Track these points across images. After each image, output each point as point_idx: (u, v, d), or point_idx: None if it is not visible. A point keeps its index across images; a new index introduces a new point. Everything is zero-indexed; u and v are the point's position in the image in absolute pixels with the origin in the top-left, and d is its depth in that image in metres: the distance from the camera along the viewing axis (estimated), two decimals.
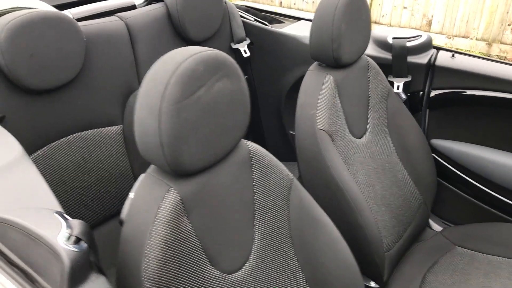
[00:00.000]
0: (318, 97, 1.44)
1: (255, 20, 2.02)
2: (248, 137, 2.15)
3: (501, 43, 4.88)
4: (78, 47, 1.41)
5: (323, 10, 1.42)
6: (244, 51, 1.95)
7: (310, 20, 2.06)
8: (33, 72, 1.32)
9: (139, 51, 1.64)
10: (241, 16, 1.99)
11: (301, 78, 1.94)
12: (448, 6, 5.01)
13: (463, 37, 5.05)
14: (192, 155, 0.84)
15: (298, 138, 1.45)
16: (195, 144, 0.84)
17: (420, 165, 1.63)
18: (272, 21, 2.10)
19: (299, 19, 2.07)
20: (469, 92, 1.65)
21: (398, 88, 1.74)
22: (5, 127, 1.16)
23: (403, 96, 1.75)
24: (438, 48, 1.73)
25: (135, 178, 1.68)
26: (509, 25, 4.78)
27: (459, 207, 1.76)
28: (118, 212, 1.68)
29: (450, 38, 5.09)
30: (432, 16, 5.15)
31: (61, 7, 1.56)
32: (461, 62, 1.66)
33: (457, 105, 1.69)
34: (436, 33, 5.15)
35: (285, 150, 2.13)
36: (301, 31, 1.92)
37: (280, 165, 1.09)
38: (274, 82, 2.01)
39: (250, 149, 1.03)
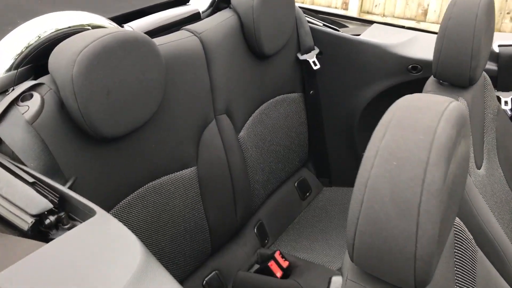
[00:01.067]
0: None
1: (324, 25, 1.72)
2: (308, 158, 1.86)
3: (500, 31, 4.78)
4: (159, 75, 1.07)
5: (460, 19, 1.15)
6: (314, 62, 1.65)
7: (383, 24, 1.78)
8: (111, 115, 0.98)
9: (215, 74, 1.32)
10: (308, 22, 1.69)
11: (382, 94, 1.66)
12: None
13: None
14: None
15: None
16: None
17: None
18: (333, 23, 1.80)
19: (370, 22, 1.79)
20: None
21: (506, 104, 1.50)
22: (75, 190, 0.83)
23: (510, 113, 1.52)
24: None
25: (211, 231, 1.36)
26: (508, 13, 4.68)
27: None
28: (191, 274, 1.36)
29: None
30: (428, 5, 4.99)
31: (118, 20, 1.21)
32: None
33: None
34: (432, 22, 4.99)
35: (355, 173, 1.85)
36: (381, 37, 1.64)
37: None
38: (347, 98, 1.72)
39: None
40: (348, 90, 1.70)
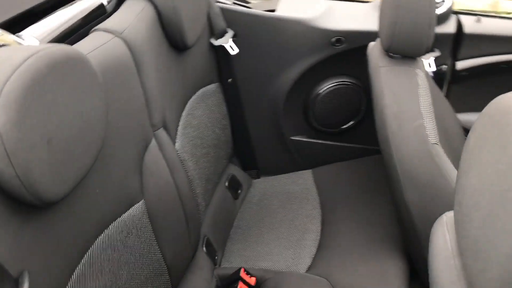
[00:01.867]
0: (419, 102, 1.11)
1: (234, 3, 1.51)
2: (233, 153, 1.68)
3: None
4: (100, 101, 0.78)
5: None
6: (231, 47, 1.45)
7: None
8: (56, 171, 0.68)
9: (148, 81, 1.04)
10: (216, 1, 1.46)
11: (306, 73, 1.55)
12: None
13: None
14: None
15: (399, 160, 1.11)
16: None
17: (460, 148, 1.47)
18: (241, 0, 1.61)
19: None
20: (499, 58, 1.52)
21: (430, 66, 1.50)
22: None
23: (431, 74, 1.54)
24: (458, 13, 1.54)
25: (169, 269, 1.12)
26: None
27: None
28: None
29: None
30: None
31: (11, 26, 0.85)
32: (489, 26, 1.50)
33: (485, 74, 1.55)
34: None
35: (286, 159, 1.73)
36: (297, 10, 1.50)
37: None
38: (270, 82, 1.56)
39: None
40: (270, 72, 1.55)
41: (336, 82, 1.60)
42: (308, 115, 1.65)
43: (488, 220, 0.49)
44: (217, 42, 1.43)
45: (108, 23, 1.00)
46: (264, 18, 1.47)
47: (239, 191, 1.64)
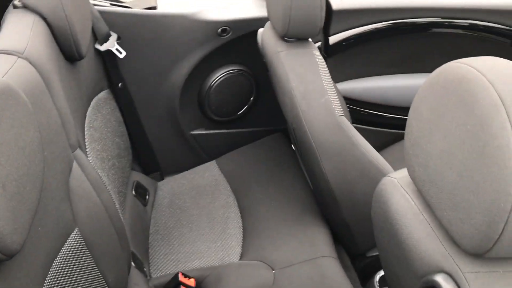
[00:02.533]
0: (322, 79, 1.21)
1: (112, 4, 1.41)
2: (133, 159, 1.61)
3: None
4: (34, 131, 0.70)
5: None
6: (118, 50, 1.37)
7: None
8: (15, 218, 0.60)
9: (59, 101, 0.94)
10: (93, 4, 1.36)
11: (197, 66, 1.55)
12: None
13: None
14: None
15: (312, 133, 1.20)
16: None
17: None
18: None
19: None
20: (363, 28, 1.69)
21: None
22: None
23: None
24: None
25: None
26: None
27: None
28: None
29: None
30: None
31: None
32: (353, 1, 1.65)
33: (354, 45, 1.71)
34: None
35: (189, 155, 1.71)
36: (180, 6, 1.48)
37: None
38: (162, 80, 1.52)
39: None
40: (161, 71, 1.51)
41: (226, 72, 1.62)
42: (204, 108, 1.65)
43: (465, 174, 0.57)
44: (103, 47, 1.35)
45: (2, 42, 0.89)
46: (146, 16, 1.43)
47: (147, 197, 1.59)
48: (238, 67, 1.63)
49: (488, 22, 1.65)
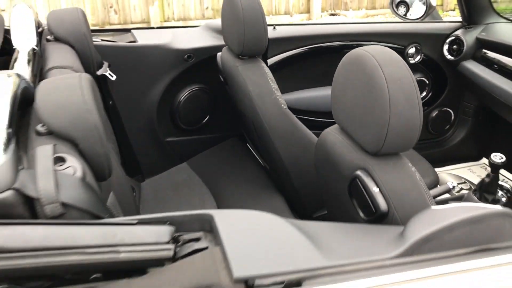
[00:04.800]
0: (270, 83, 1.67)
1: (103, 40, 1.81)
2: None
3: (110, 24, 5.38)
4: None
5: (250, 7, 1.59)
6: (110, 74, 1.77)
7: (138, 28, 2.01)
8: None
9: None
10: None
11: (168, 85, 1.97)
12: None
13: None
14: None
15: (267, 122, 1.65)
16: None
17: None
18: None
19: (128, 30, 1.98)
20: (292, 52, 2.20)
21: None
22: None
23: None
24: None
25: None
26: (111, 7, 5.31)
27: None
28: None
29: None
30: None
31: None
32: (283, 31, 2.16)
33: (288, 65, 2.21)
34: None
35: (165, 159, 2.10)
36: (154, 39, 1.91)
37: None
38: (142, 98, 1.92)
39: None
40: (142, 90, 1.91)
41: (190, 89, 2.06)
42: (175, 119, 2.07)
43: (364, 106, 1.03)
44: (99, 72, 1.74)
45: (56, 61, 1.27)
46: (129, 48, 1.84)
47: (134, 194, 1.95)
48: (199, 85, 2.08)
49: (383, 42, 2.23)
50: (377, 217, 1.07)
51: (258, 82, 1.65)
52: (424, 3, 2.52)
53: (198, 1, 5.67)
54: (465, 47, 2.19)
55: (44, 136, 0.93)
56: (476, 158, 2.57)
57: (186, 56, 1.94)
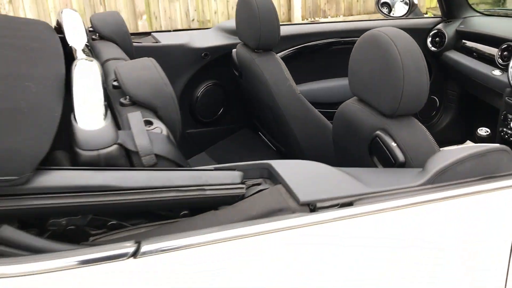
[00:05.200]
0: (284, 72, 1.90)
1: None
2: None
3: None
4: None
5: (264, 6, 1.82)
6: None
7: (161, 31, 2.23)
8: None
9: None
10: None
11: (188, 82, 2.18)
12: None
13: None
14: None
15: (283, 106, 1.87)
16: None
17: None
18: None
19: (149, 33, 2.19)
20: (293, 49, 2.43)
21: None
22: None
23: None
24: None
25: None
26: None
27: None
28: None
29: None
30: None
31: None
32: (286, 30, 2.40)
33: (295, 59, 2.43)
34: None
35: (185, 148, 2.29)
36: (174, 40, 2.12)
37: None
38: None
39: None
40: None
41: (206, 85, 2.27)
42: (194, 112, 2.27)
43: (380, 77, 1.26)
44: None
45: (112, 54, 1.47)
46: (155, 47, 2.05)
47: None
48: (214, 81, 2.29)
49: None
50: (396, 168, 1.29)
51: (274, 71, 1.88)
52: (406, 3, 2.80)
53: (184, 14, 5.89)
54: (446, 39, 2.47)
55: (128, 106, 1.13)
56: (461, 141, 2.84)
57: (203, 54, 2.15)
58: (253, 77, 1.96)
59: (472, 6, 2.57)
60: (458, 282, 1.08)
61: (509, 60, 2.06)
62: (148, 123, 1.08)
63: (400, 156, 1.26)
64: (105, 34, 1.63)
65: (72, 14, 1.60)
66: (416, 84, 1.22)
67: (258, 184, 1.10)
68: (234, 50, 2.08)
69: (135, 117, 1.07)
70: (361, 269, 0.97)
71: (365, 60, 1.31)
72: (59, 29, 1.55)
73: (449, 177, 1.06)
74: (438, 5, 2.61)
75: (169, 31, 2.30)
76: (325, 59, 2.46)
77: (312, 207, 0.96)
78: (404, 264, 1.01)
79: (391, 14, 2.85)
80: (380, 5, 2.88)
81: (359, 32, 2.47)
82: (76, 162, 0.94)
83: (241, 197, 1.03)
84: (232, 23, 2.12)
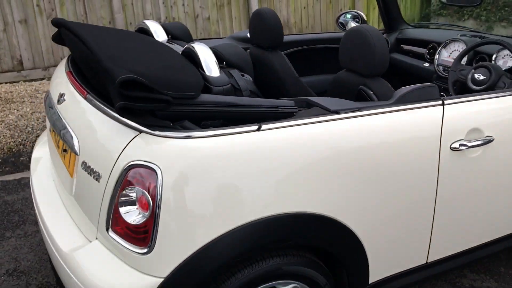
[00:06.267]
0: (289, 64, 2.73)
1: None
2: None
3: None
4: None
5: (271, 14, 2.65)
6: None
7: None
8: None
9: None
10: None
11: None
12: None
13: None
14: None
15: (289, 90, 2.70)
16: None
17: None
18: None
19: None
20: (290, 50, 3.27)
21: None
22: None
23: None
24: None
25: None
26: None
27: None
28: None
29: (46, 69, 5.89)
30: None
31: None
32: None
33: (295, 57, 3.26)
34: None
35: None
36: None
37: None
38: None
39: None
40: None
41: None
42: None
43: (360, 53, 2.12)
44: None
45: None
46: None
47: None
48: None
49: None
50: None
51: (282, 63, 2.69)
52: (356, 21, 3.75)
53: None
54: (389, 45, 3.43)
55: (225, 68, 1.93)
56: None
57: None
58: (266, 69, 2.76)
59: (406, 21, 3.57)
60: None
61: (433, 55, 3.02)
62: (242, 74, 1.88)
63: (375, 99, 2.10)
64: (177, 37, 2.41)
65: (154, 23, 2.37)
66: (382, 54, 2.07)
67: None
68: (248, 50, 2.89)
69: (235, 72, 1.87)
70: None
71: (351, 43, 2.16)
72: (146, 33, 2.32)
73: (406, 99, 1.91)
74: (382, 22, 3.59)
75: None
76: (311, 60, 3.35)
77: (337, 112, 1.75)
78: None
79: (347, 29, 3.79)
80: (339, 23, 3.82)
81: (331, 40, 3.39)
82: (210, 93, 1.72)
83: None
84: (243, 33, 2.94)
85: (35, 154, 2.34)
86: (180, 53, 1.98)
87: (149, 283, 1.42)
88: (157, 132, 1.42)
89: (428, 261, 2.02)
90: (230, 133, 1.47)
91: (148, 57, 1.75)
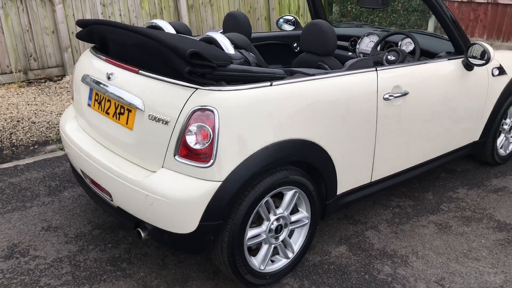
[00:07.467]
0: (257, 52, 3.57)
1: None
2: None
3: (31, 69, 6.49)
4: None
5: (244, 18, 3.48)
6: None
7: None
8: None
9: None
10: None
11: None
12: None
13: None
14: None
15: None
16: None
17: None
18: None
19: None
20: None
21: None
22: None
23: None
24: None
25: None
26: (30, 56, 6.46)
27: None
28: None
29: None
30: None
31: None
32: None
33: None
34: None
35: None
36: None
37: None
38: None
39: None
40: None
41: None
42: None
43: (317, 37, 3.03)
44: None
45: None
46: None
47: None
48: None
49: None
50: None
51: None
52: (290, 24, 4.71)
53: None
54: None
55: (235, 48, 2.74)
56: None
57: None
58: None
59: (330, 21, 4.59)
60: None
61: (355, 46, 4.06)
62: (248, 53, 2.70)
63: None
64: (181, 31, 3.13)
65: (162, 22, 3.08)
66: (332, 39, 3.00)
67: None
68: None
69: (243, 51, 2.69)
70: None
71: (310, 31, 3.05)
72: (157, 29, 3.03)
73: (354, 67, 2.83)
74: None
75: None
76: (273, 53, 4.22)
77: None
78: None
79: (287, 29, 4.73)
80: (277, 24, 4.75)
81: (272, 37, 4.29)
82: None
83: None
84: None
85: (68, 129, 2.93)
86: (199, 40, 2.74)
87: (213, 184, 2.18)
88: (211, 87, 2.19)
89: (371, 181, 2.96)
90: (256, 87, 2.28)
91: (189, 40, 2.49)
